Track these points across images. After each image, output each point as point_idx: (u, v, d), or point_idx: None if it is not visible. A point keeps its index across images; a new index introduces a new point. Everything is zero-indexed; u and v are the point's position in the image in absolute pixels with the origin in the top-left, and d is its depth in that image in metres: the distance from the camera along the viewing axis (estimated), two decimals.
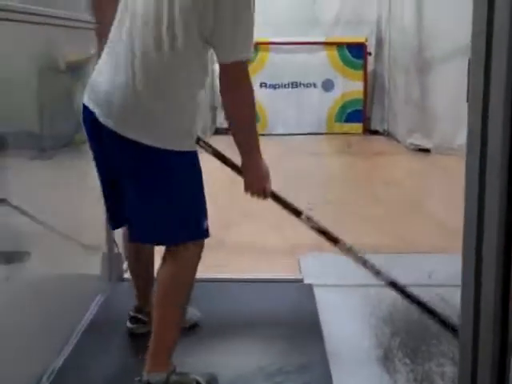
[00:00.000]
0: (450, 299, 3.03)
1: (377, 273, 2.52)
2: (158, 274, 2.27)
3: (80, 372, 2.41)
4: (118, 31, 2.14)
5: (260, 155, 2.27)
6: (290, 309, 2.64)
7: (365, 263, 2.54)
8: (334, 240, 2.55)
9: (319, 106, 9.08)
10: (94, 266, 3.11)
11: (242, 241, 4.06)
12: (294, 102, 8.93)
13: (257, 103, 2.18)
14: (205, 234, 2.22)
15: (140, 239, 2.31)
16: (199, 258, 2.24)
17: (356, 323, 2.74)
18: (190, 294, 2.29)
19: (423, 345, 2.60)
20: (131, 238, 2.31)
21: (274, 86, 8.85)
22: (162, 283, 2.22)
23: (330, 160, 7.48)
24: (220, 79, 2.11)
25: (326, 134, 8.99)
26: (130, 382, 2.23)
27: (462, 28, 7.90)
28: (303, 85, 9.06)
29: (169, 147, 2.08)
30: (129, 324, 2.71)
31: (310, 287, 3.04)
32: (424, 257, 3.71)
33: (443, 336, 2.59)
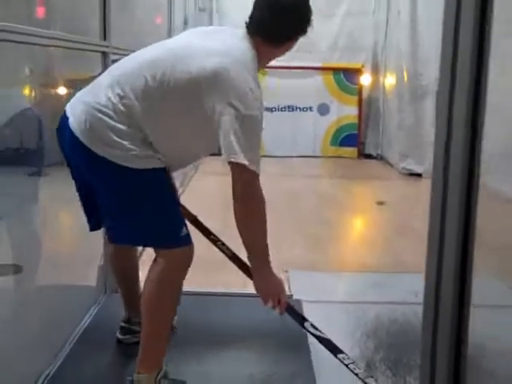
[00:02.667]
0: None
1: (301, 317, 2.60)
2: (147, 275, 2.34)
3: (72, 378, 2.50)
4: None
5: (269, 266, 2.36)
6: (279, 322, 2.71)
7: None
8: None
9: (315, 129, 9.24)
10: (90, 278, 3.19)
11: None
12: (290, 125, 9.07)
13: None
14: (181, 241, 2.27)
15: (115, 240, 2.42)
16: (184, 263, 2.29)
17: (341, 336, 2.81)
18: (175, 299, 2.37)
19: (404, 358, 2.69)
20: (108, 239, 2.45)
21: (270, 110, 8.88)
22: (148, 283, 2.31)
23: (325, 183, 7.59)
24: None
25: (320, 157, 9.16)
26: None
27: None
28: (299, 108, 9.22)
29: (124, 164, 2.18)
30: (118, 334, 2.77)
31: (299, 303, 3.11)
32: (414, 276, 3.80)
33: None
